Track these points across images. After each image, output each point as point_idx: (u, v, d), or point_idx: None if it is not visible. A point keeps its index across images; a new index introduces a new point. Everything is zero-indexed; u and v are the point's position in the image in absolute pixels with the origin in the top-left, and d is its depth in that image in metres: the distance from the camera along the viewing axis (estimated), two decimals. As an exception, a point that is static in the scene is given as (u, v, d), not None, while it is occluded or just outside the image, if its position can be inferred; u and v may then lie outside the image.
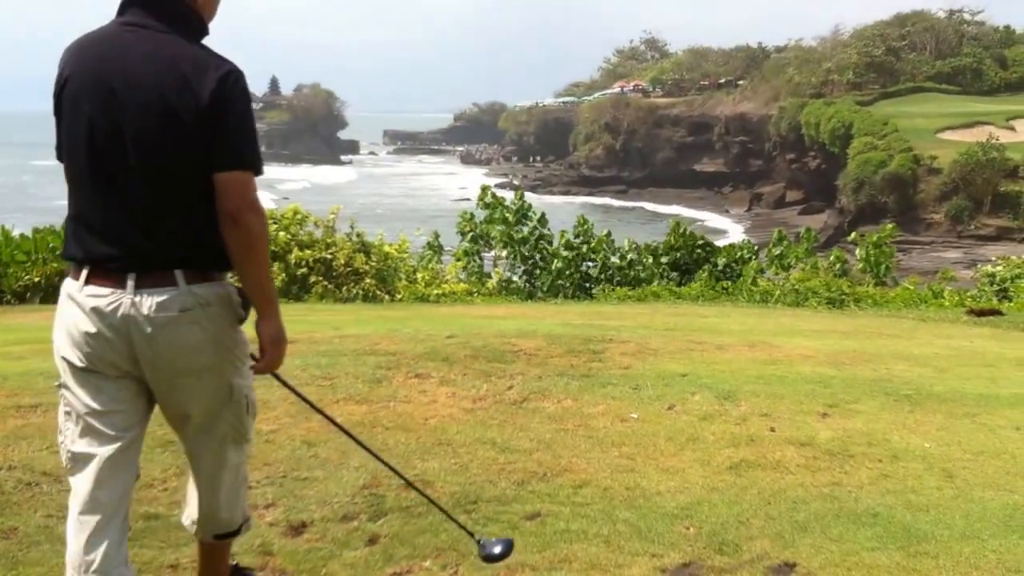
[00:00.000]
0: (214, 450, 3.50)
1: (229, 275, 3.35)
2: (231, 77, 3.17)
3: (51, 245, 12.59)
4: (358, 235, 15.72)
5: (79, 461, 3.28)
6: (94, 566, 3.22)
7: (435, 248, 20.16)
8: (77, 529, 3.27)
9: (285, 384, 3.75)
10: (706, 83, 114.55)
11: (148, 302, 3.18)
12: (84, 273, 3.22)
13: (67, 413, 3.34)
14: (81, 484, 3.27)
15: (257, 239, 3.23)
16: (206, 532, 3.63)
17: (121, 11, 3.29)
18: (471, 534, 4.07)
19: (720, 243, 23.11)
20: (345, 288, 13.51)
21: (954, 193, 65.20)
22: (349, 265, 13.85)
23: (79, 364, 3.25)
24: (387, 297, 14.46)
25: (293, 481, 4.82)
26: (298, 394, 3.87)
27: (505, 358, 7.70)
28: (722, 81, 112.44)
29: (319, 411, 4.03)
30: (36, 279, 12.27)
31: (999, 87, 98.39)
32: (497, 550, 3.90)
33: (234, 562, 3.90)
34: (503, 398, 6.63)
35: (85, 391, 3.28)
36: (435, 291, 15.75)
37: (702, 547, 4.36)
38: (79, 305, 3.21)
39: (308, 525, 4.46)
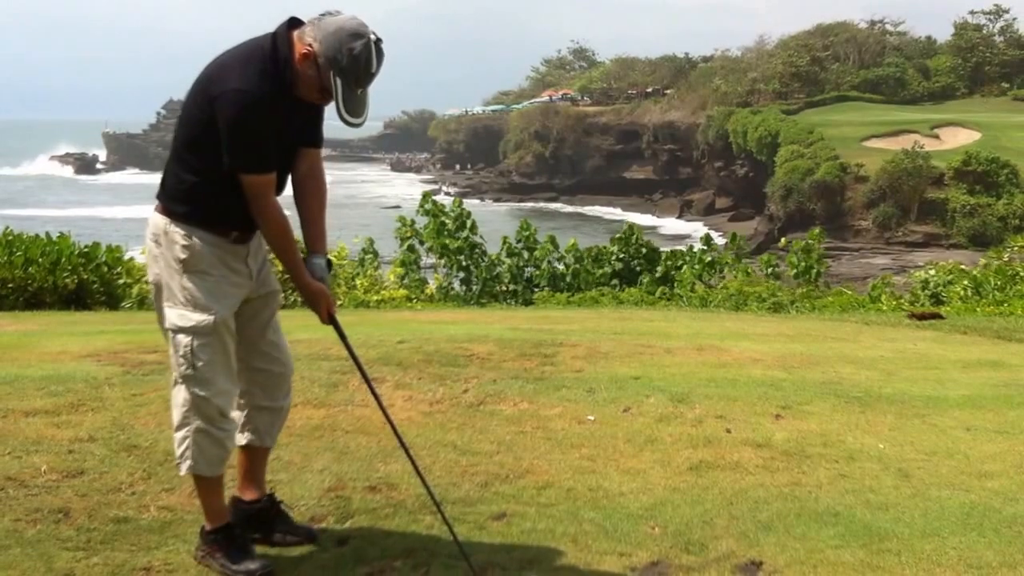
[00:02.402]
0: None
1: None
2: (220, 98, 3.79)
3: None
4: (297, 241, 15.46)
5: None
6: None
7: (372, 254, 20.12)
8: None
9: (344, 342, 4.38)
10: (634, 92, 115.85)
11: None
12: None
13: None
14: None
15: (266, 229, 4.06)
16: None
17: None
18: None
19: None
20: (284, 295, 13.44)
21: (881, 200, 66.51)
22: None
23: None
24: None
25: (259, 484, 4.77)
26: (350, 349, 4.41)
27: (458, 362, 7.69)
28: (649, 90, 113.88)
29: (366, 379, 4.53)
30: None
31: (922, 96, 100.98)
32: None
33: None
34: (459, 401, 6.63)
35: None
36: (375, 297, 15.72)
37: (669, 546, 4.41)
38: None
39: (273, 538, 4.42)
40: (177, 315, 3.97)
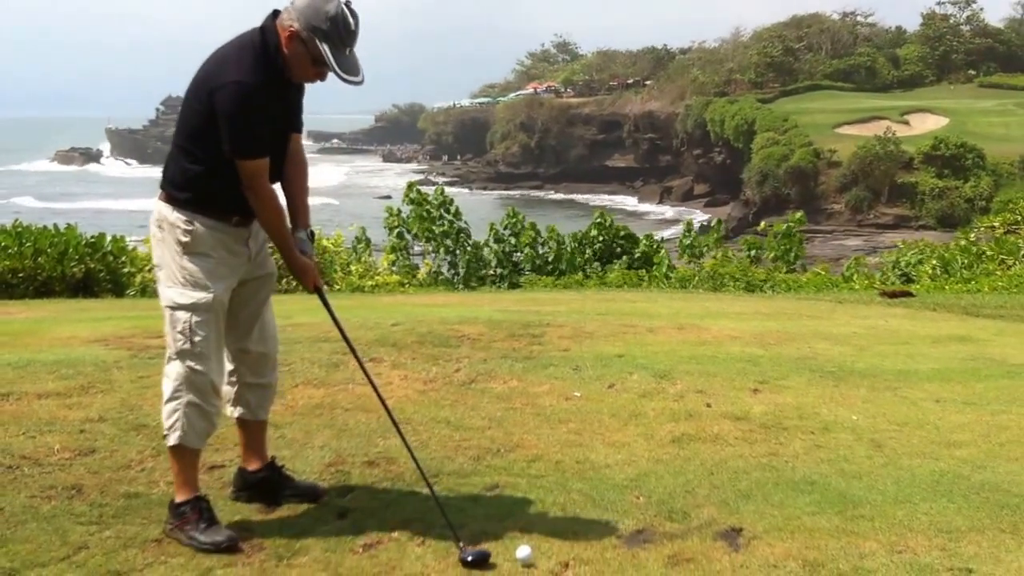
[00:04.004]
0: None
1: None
2: (219, 91, 4.03)
3: (3, 244, 12.63)
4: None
5: None
6: None
7: (365, 242, 20.36)
8: None
9: (328, 309, 4.72)
10: (615, 83, 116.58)
11: None
12: None
13: None
14: None
15: (260, 210, 4.24)
16: None
17: None
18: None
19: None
20: (284, 280, 13.59)
21: (853, 184, 67.12)
22: (287, 259, 13.99)
23: None
24: (325, 288, 14.40)
25: (262, 460, 4.92)
26: (334, 318, 4.77)
27: (450, 343, 7.88)
28: (630, 81, 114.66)
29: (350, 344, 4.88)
30: None
31: (892, 84, 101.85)
32: (470, 558, 4.03)
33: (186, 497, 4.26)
34: (452, 380, 6.81)
35: None
36: (369, 282, 15.93)
37: (653, 515, 4.55)
38: None
39: (280, 501, 4.59)
40: (177, 293, 4.17)
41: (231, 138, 4.06)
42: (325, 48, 3.98)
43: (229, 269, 4.29)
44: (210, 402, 4.23)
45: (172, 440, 4.20)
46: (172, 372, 4.20)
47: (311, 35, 3.99)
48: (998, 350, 8.55)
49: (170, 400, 4.19)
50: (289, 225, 4.41)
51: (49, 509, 4.37)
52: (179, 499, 4.23)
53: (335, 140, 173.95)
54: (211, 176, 4.17)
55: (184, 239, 4.17)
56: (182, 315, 4.16)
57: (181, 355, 4.17)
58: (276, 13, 4.13)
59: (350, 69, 4.05)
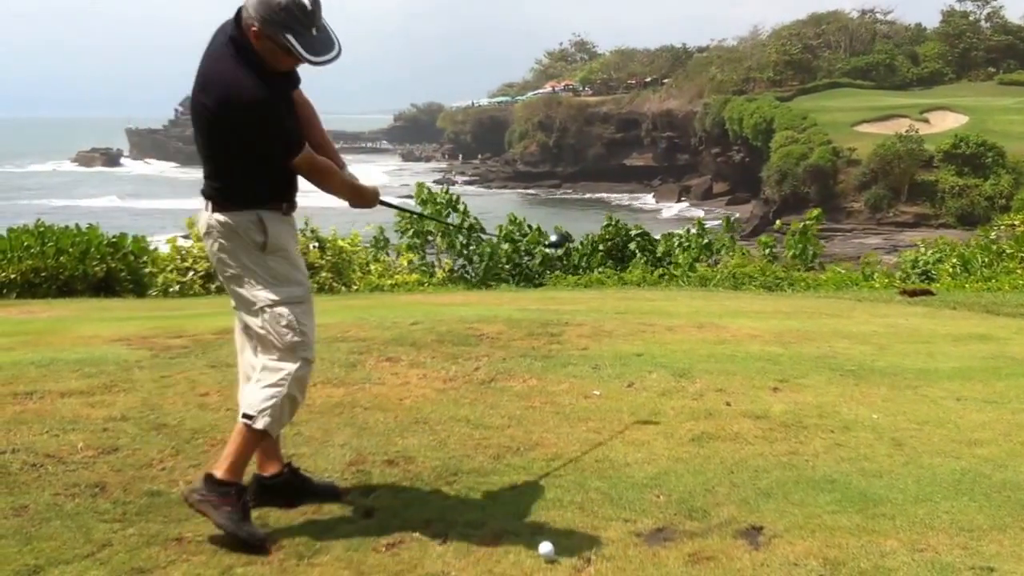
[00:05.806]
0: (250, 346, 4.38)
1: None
2: (237, 114, 3.99)
3: (25, 244, 12.78)
4: (312, 231, 16.12)
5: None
6: None
7: (383, 242, 20.47)
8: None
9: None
10: (633, 82, 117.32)
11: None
12: None
13: None
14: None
15: (323, 180, 4.34)
16: None
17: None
18: None
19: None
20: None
21: (873, 183, 67.06)
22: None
23: None
24: (343, 288, 14.71)
25: (282, 458, 4.95)
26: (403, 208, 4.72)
27: (469, 342, 7.89)
28: (648, 80, 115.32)
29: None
30: (12, 276, 12.47)
31: (911, 82, 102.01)
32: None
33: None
34: (471, 378, 6.81)
35: None
36: (389, 281, 16.02)
37: (672, 513, 4.55)
38: None
39: (299, 503, 4.60)
40: (271, 292, 4.18)
41: (273, 148, 4.08)
42: (289, 38, 3.88)
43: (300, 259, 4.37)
44: (304, 394, 4.31)
45: (259, 424, 4.17)
46: (283, 366, 4.19)
47: (271, 28, 3.89)
48: (1019, 348, 8.51)
49: (269, 387, 4.16)
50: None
51: (73, 507, 4.40)
52: (225, 478, 4.19)
53: (369, 142, 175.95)
54: (256, 175, 4.16)
55: (259, 239, 4.16)
56: (284, 310, 4.17)
57: (294, 348, 4.18)
58: (239, 14, 4.04)
59: (320, 49, 3.94)
